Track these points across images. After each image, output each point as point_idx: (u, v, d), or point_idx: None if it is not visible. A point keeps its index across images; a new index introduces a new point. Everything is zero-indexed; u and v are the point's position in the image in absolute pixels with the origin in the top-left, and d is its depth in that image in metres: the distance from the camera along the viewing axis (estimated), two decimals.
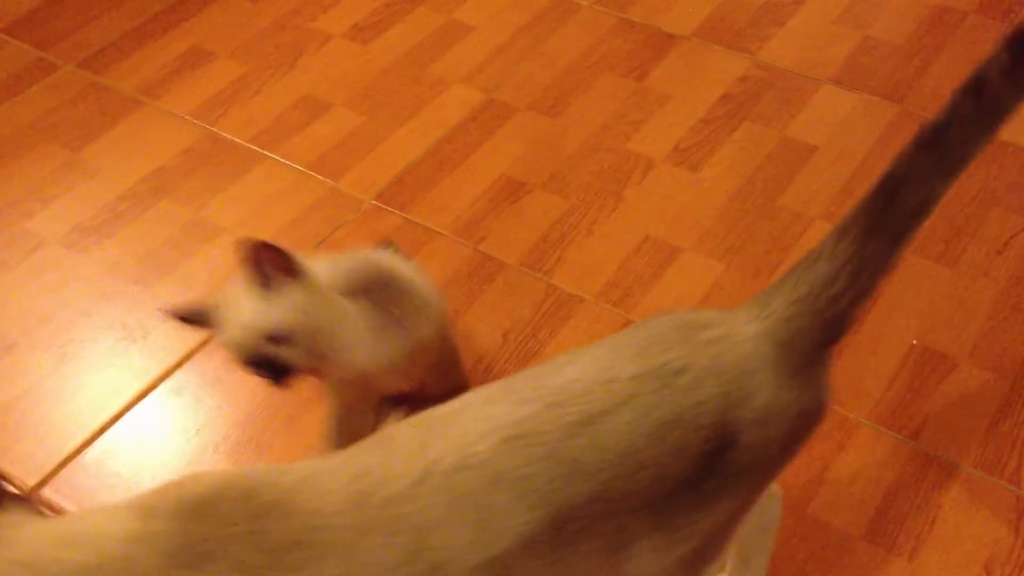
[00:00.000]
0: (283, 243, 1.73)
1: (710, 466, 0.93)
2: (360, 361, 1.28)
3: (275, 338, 1.19)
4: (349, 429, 1.35)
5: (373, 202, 1.79)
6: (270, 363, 1.20)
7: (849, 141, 1.84)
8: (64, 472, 1.46)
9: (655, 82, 1.98)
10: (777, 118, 1.90)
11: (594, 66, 2.03)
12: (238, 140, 1.92)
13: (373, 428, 1.34)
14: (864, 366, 1.51)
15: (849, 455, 1.42)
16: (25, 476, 1.45)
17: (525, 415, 0.91)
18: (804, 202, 1.75)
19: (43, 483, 1.45)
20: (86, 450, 1.48)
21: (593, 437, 0.90)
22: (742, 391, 0.93)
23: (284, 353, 1.21)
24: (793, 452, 1.00)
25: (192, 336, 1.61)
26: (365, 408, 1.36)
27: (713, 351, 0.94)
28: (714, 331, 0.96)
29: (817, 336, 0.96)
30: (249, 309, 1.19)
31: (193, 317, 1.23)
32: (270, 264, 1.19)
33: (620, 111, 1.93)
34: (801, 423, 0.98)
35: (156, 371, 1.57)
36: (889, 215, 0.93)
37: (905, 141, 0.90)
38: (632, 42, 2.08)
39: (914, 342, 1.54)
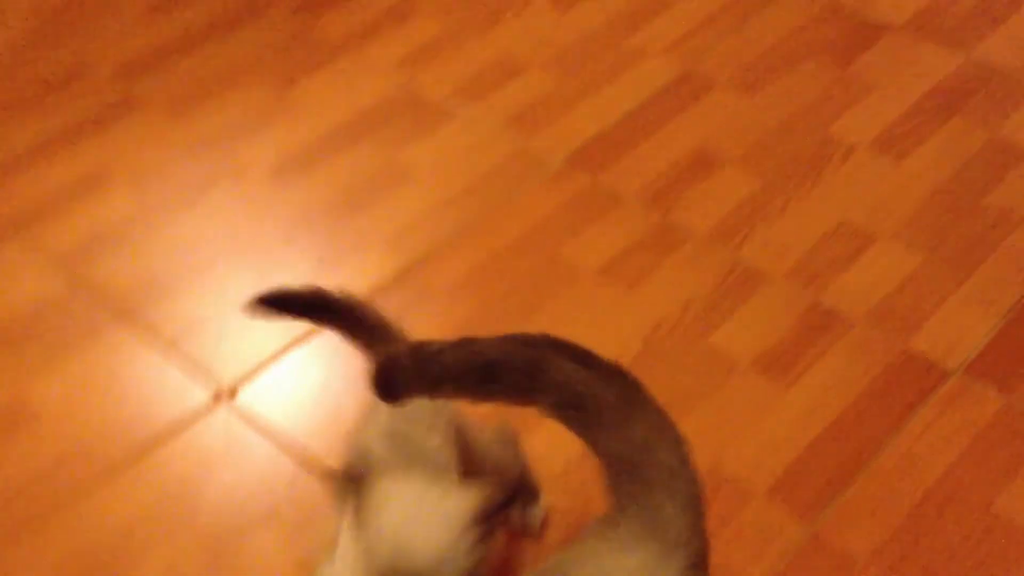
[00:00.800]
0: (471, 198, 1.78)
1: None
2: None
3: None
4: None
5: (562, 164, 1.81)
6: None
7: None
8: (258, 380, 1.53)
9: (861, 70, 1.93)
10: (990, 117, 1.82)
11: (798, 48, 1.99)
12: (435, 93, 1.97)
13: None
14: None
15: None
16: (224, 377, 1.53)
17: None
18: (1013, 203, 1.67)
19: (241, 381, 1.52)
20: (276, 362, 1.55)
21: None
22: None
23: None
24: None
25: (383, 270, 1.66)
26: None
27: None
28: None
29: None
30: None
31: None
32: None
33: (823, 95, 1.89)
34: None
35: None
36: None
37: None
38: (839, 28, 2.03)
39: None
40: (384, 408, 1.12)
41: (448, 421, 1.13)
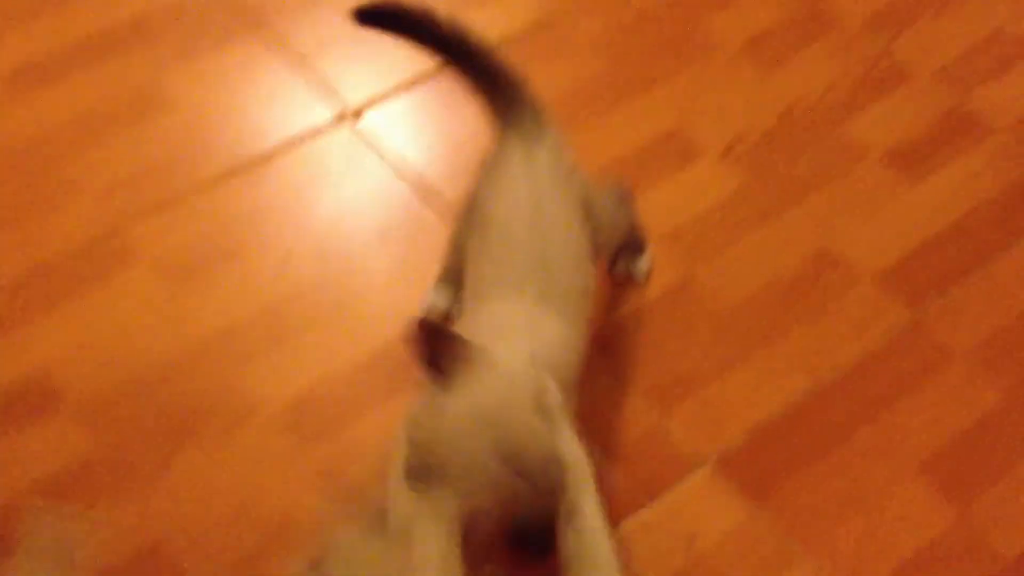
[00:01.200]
0: None
1: None
2: None
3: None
4: None
5: None
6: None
7: None
8: (383, 107, 1.55)
9: None
10: None
11: None
12: None
13: None
14: None
15: None
16: (349, 99, 1.55)
17: None
18: None
19: (366, 105, 1.54)
20: (402, 93, 1.56)
21: None
22: None
23: None
24: None
25: (516, 21, 1.63)
26: None
27: None
28: None
29: None
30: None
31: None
32: None
33: None
34: None
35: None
36: None
37: None
38: None
39: None
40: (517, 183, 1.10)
41: (578, 198, 1.12)
